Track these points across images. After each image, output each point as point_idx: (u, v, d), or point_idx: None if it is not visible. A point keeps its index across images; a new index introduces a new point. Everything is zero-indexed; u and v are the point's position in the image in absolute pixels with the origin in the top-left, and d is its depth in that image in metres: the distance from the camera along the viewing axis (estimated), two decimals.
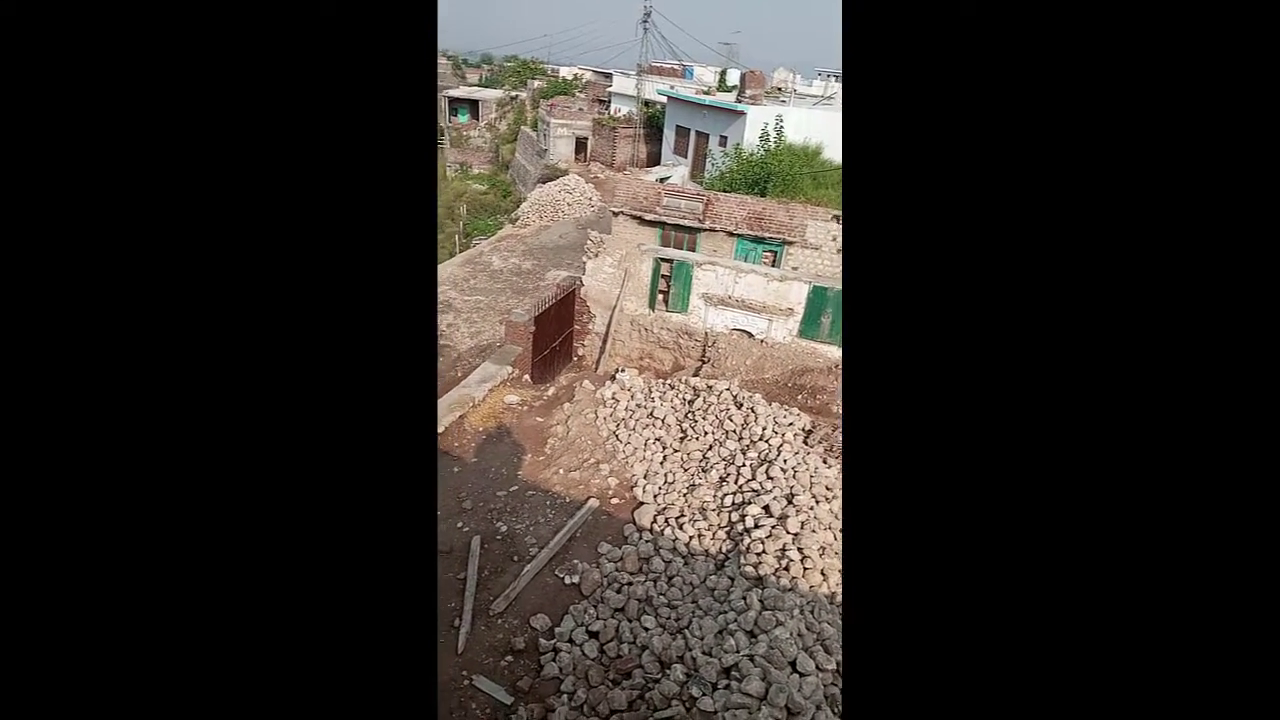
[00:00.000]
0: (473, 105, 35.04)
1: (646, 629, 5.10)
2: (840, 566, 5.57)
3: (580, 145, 26.27)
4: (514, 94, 35.14)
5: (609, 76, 33.15)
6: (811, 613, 5.12)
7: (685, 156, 20.45)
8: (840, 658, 4.71)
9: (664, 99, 23.02)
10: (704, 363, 9.51)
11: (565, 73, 39.42)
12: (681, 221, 11.16)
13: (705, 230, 11.08)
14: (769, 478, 6.39)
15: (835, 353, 9.10)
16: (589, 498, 6.77)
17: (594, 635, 5.08)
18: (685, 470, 7.05)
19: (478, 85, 41.64)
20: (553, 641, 5.06)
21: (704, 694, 4.34)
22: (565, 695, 4.58)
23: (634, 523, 6.43)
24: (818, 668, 4.56)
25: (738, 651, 4.64)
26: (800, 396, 8.49)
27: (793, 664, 4.53)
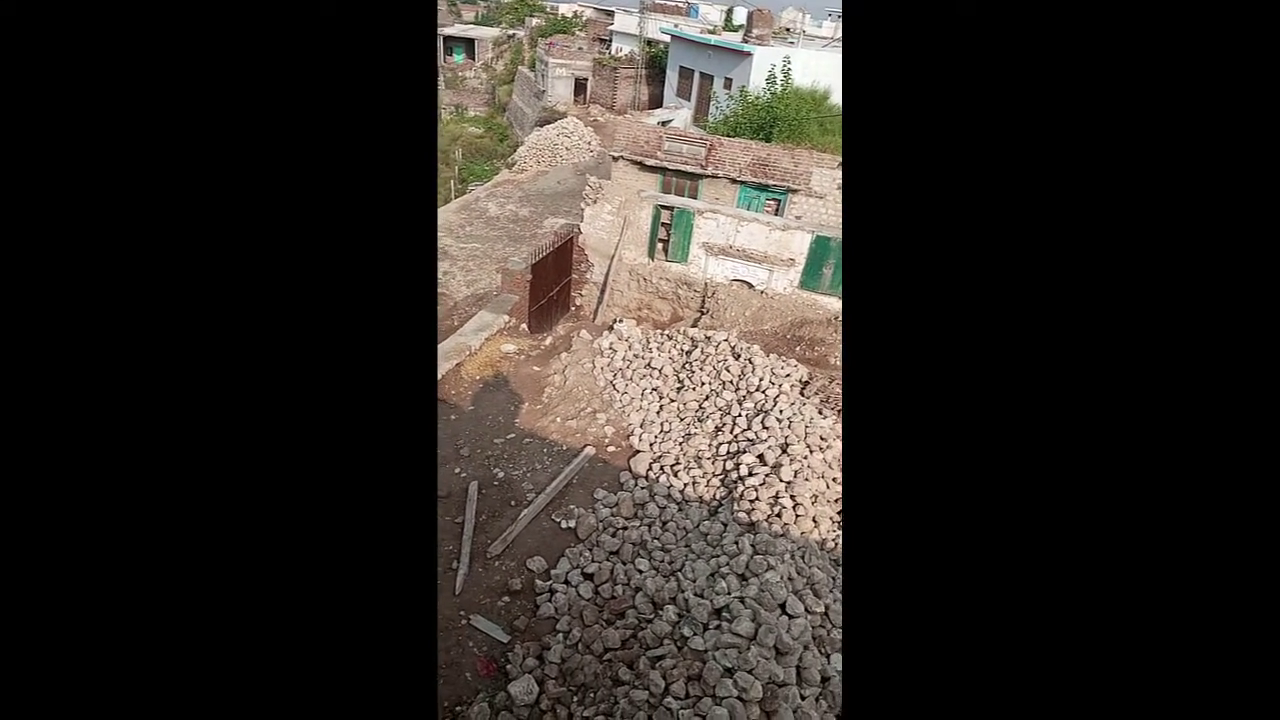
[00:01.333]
0: (468, 44, 33.60)
1: (640, 571, 5.21)
2: (832, 514, 5.66)
3: (580, 86, 25.32)
4: (511, 32, 33.69)
5: (610, 14, 31.71)
6: (802, 558, 5.23)
7: (688, 99, 19.73)
8: (829, 601, 4.84)
9: (667, 38, 22.04)
10: (703, 314, 9.42)
11: (565, 9, 37.67)
12: (683, 167, 10.85)
13: (707, 177, 10.78)
14: (764, 427, 6.42)
15: (834, 304, 9.01)
16: (585, 445, 6.82)
17: (589, 577, 5.20)
18: (681, 420, 7.09)
19: (473, 23, 39.81)
20: (549, 583, 5.19)
21: (695, 634, 4.47)
22: (561, 634, 4.72)
23: (630, 470, 6.50)
24: (806, 610, 4.68)
25: (729, 594, 4.75)
26: (799, 348, 8.46)
27: (782, 606, 4.64)
